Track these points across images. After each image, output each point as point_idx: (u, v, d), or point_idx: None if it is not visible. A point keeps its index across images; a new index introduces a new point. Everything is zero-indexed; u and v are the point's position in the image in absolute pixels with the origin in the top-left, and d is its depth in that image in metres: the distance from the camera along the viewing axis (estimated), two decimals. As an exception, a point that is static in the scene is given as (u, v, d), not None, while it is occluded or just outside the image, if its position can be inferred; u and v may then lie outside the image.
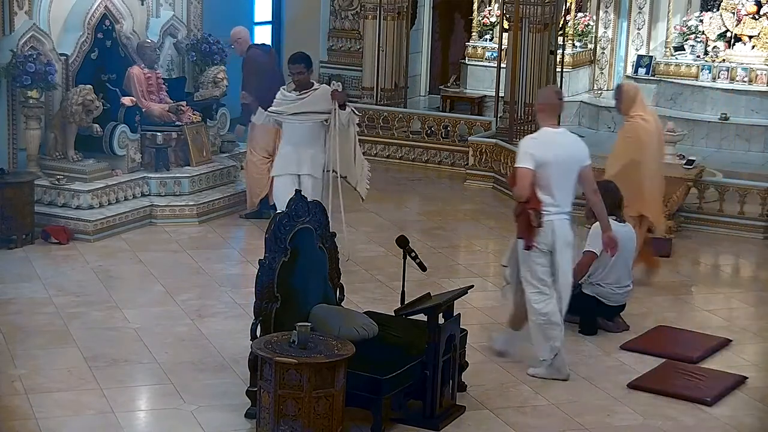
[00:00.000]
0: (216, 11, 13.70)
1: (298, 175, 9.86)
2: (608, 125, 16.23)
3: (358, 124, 10.28)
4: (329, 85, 10.39)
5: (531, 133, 13.62)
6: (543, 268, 7.76)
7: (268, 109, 10.05)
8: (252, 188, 11.64)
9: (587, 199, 8.21)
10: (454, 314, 7.37)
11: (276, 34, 16.05)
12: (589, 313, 8.89)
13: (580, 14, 17.33)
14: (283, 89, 10.12)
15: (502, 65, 14.59)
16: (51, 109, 11.25)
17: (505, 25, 15.11)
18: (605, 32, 17.40)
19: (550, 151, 7.69)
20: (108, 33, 11.88)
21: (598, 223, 8.45)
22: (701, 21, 16.77)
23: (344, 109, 9.81)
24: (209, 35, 12.90)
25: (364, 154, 14.55)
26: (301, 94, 9.90)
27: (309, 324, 6.63)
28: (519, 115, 13.86)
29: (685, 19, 17.03)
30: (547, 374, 7.91)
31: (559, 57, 14.78)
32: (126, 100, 11.58)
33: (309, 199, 7.96)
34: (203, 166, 11.98)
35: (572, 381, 7.96)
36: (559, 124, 8.39)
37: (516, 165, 7.78)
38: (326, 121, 9.82)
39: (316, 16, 16.28)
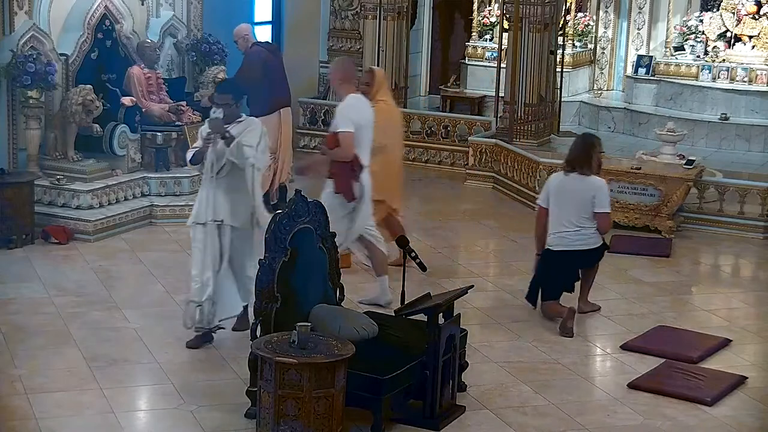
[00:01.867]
0: (216, 11, 13.68)
1: (216, 223, 8.08)
2: (608, 125, 16.24)
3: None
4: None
5: (532, 133, 13.97)
6: (349, 214, 8.87)
7: (193, 146, 8.51)
8: None
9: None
10: (454, 314, 7.38)
11: (276, 34, 16.03)
12: (545, 271, 9.06)
13: (580, 14, 17.34)
14: (209, 122, 8.19)
15: (502, 65, 14.58)
16: (51, 109, 11.25)
17: (505, 25, 15.10)
18: (605, 32, 17.40)
19: (360, 114, 8.86)
20: (108, 33, 11.89)
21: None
22: (701, 21, 16.77)
23: (228, 145, 7.96)
24: (209, 35, 12.90)
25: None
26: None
27: (309, 324, 6.63)
28: (519, 115, 13.86)
29: (685, 19, 17.03)
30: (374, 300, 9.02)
31: (559, 57, 14.78)
32: (126, 100, 11.58)
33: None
34: (203, 166, 11.98)
35: (572, 381, 7.97)
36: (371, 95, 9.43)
37: (339, 129, 8.73)
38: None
39: (316, 16, 16.26)
